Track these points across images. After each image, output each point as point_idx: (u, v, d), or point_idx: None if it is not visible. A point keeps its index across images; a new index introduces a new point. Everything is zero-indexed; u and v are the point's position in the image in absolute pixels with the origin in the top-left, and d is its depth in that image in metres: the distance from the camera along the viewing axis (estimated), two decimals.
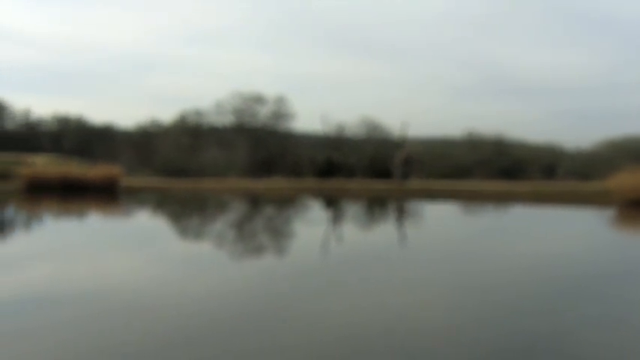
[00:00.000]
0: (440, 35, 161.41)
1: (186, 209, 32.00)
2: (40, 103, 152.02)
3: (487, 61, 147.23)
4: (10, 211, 30.07)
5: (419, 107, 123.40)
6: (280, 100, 65.25)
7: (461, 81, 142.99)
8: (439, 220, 26.67)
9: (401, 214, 28.57)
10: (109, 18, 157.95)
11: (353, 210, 31.19)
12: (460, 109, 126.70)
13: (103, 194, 39.91)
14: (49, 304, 9.48)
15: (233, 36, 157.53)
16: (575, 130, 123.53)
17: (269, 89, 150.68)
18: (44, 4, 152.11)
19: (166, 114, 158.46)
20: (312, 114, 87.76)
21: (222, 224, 23.32)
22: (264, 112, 65.67)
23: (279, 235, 20.20)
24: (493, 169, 61.89)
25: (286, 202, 36.37)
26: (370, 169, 55.66)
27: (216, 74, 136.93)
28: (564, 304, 9.64)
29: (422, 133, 65.97)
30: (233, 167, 60.01)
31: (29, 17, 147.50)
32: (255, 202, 36.17)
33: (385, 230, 21.59)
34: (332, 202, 36.32)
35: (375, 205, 34.27)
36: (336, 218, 25.88)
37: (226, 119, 66.50)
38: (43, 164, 52.90)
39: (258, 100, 65.27)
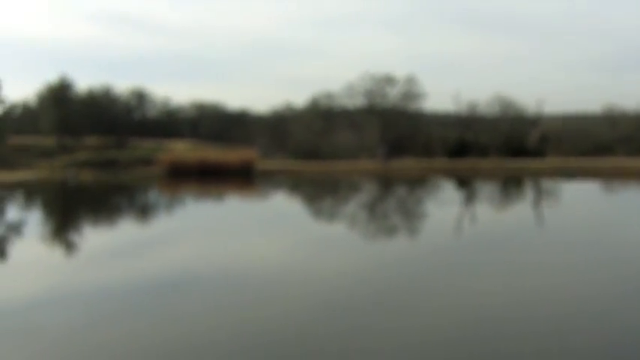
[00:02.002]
0: (580, 9, 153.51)
1: (320, 191, 32.68)
2: (178, 91, 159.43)
3: (632, 34, 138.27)
4: (154, 195, 32.03)
5: (556, 84, 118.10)
6: (411, 81, 64.57)
7: (602, 56, 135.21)
8: (578, 200, 25.61)
9: (538, 193, 27.73)
10: (240, 5, 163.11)
11: (486, 190, 30.62)
12: (601, 85, 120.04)
13: (239, 177, 41.55)
14: (201, 279, 10.22)
15: (363, 18, 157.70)
16: None
17: (399, 70, 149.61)
18: None
19: (298, 97, 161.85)
20: (443, 93, 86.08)
21: (356, 205, 23.68)
22: (394, 93, 65.28)
23: (412, 215, 20.28)
24: (635, 145, 58.12)
25: (418, 182, 36.26)
26: (505, 148, 54.08)
27: (347, 57, 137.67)
28: None
29: (559, 110, 63.16)
30: (364, 149, 60.20)
31: (165, 7, 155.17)
32: (386, 183, 36.33)
33: (521, 211, 21.10)
34: (464, 182, 35.79)
35: (511, 185, 33.43)
36: (469, 198, 25.55)
37: (357, 101, 66.75)
38: (182, 150, 55.57)
39: (389, 80, 64.94)
